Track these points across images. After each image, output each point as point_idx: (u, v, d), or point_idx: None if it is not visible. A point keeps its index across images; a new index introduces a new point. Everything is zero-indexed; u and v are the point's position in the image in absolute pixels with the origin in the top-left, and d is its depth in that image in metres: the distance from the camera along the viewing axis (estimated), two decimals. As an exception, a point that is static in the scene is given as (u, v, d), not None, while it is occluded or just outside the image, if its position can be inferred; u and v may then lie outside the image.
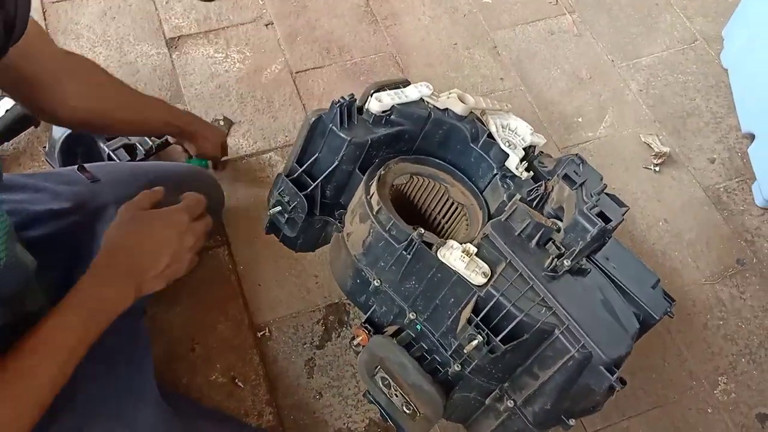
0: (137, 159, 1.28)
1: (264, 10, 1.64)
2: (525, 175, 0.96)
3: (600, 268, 0.89)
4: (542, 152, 1.03)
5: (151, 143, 1.31)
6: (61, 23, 1.56)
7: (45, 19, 1.56)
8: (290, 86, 1.52)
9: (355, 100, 0.93)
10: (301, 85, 1.53)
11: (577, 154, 0.94)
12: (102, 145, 1.28)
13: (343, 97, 0.89)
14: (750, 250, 1.40)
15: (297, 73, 1.55)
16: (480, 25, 1.70)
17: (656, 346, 1.27)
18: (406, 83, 1.00)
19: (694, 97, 1.62)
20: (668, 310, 0.92)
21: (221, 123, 1.43)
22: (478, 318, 0.80)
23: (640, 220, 1.42)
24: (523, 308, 0.79)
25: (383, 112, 0.93)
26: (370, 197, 0.92)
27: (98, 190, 0.98)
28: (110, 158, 1.27)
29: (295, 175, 0.96)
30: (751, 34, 1.57)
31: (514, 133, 1.00)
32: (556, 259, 0.82)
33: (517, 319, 0.79)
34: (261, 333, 1.21)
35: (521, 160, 0.96)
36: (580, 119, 1.56)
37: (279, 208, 0.97)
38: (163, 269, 0.79)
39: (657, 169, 1.49)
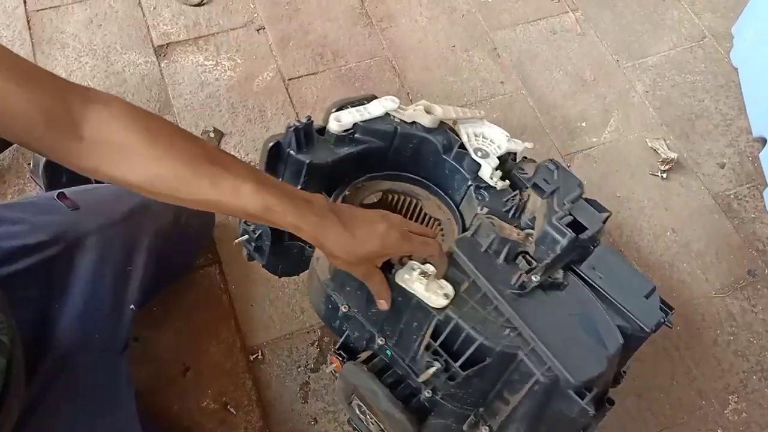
0: (124, 177, 1.24)
1: (255, 14, 1.59)
2: (500, 184, 0.91)
3: (584, 279, 0.83)
4: (526, 158, 0.97)
5: (138, 159, 1.26)
6: (46, 32, 1.51)
7: (30, 28, 1.51)
8: (283, 94, 1.47)
9: (312, 122, 0.89)
10: (294, 92, 1.48)
11: (552, 160, 0.88)
12: (87, 162, 1.24)
13: (298, 120, 0.87)
14: (762, 260, 1.35)
15: (290, 80, 1.50)
16: (479, 26, 1.64)
17: (664, 364, 1.22)
18: (371, 99, 0.95)
19: (703, 98, 1.56)
20: (663, 320, 0.83)
21: (211, 135, 1.39)
22: (437, 343, 0.77)
23: (646, 230, 1.37)
24: (483, 331, 0.75)
25: (345, 131, 0.89)
26: None
27: (78, 219, 0.94)
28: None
29: None
30: (763, 30, 1.50)
31: (489, 141, 0.94)
32: (524, 275, 0.77)
33: (476, 344, 0.75)
34: (254, 356, 1.17)
35: (496, 169, 0.91)
36: (583, 124, 1.51)
37: (246, 236, 0.94)
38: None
39: (664, 175, 1.43)
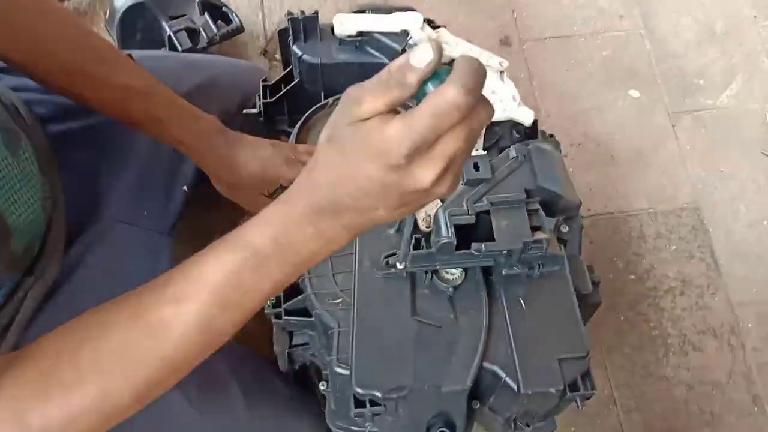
0: (198, 47, 1.17)
1: None
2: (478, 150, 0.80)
3: (502, 306, 0.68)
4: (552, 136, 0.84)
5: (216, 30, 1.19)
6: None
7: None
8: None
9: (316, 15, 0.85)
10: None
11: (531, 145, 0.73)
12: (164, 23, 1.17)
13: (302, 11, 0.84)
14: None
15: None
16: (609, -54, 1.45)
17: (724, 360, 1.13)
18: (406, 11, 0.84)
19: (844, 77, 1.37)
20: (556, 391, 0.64)
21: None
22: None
23: (743, 215, 1.24)
24: (318, 286, 0.70)
25: (348, 36, 0.83)
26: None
27: None
28: (170, 41, 1.16)
29: (271, 82, 0.91)
30: None
31: (497, 100, 0.80)
32: (392, 257, 0.69)
33: (304, 295, 0.71)
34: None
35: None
36: (701, 81, 1.35)
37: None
38: (381, 216, 0.47)
39: (777, 158, 1.28)
